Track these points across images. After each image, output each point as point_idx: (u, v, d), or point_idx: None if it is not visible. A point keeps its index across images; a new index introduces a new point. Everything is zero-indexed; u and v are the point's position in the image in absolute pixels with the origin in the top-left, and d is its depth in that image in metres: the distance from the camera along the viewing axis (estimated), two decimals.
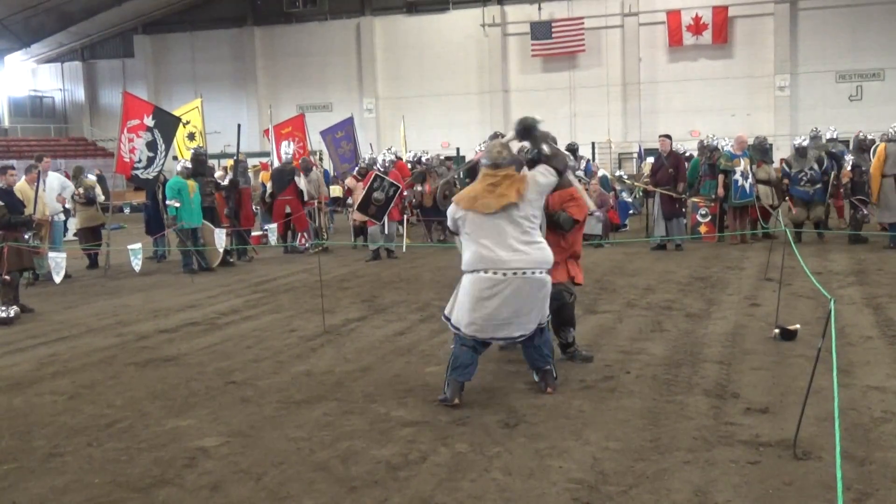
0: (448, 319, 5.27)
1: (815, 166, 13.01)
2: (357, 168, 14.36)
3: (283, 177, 14.44)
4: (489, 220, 5.03)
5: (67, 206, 13.24)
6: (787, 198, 13.36)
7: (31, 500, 3.87)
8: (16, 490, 3.98)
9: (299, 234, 14.51)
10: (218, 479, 4.01)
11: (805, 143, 13.51)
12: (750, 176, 13.26)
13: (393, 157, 15.66)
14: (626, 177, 19.02)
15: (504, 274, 4.96)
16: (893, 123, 13.37)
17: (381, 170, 13.43)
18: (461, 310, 5.13)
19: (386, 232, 13.14)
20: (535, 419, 4.74)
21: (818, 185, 12.95)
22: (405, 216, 14.97)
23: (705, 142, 15.64)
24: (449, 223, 5.35)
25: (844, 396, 4.77)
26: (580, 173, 14.86)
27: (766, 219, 13.39)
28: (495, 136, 9.97)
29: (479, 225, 5.05)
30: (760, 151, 14.02)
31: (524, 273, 4.99)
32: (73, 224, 18.15)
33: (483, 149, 5.28)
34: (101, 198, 13.71)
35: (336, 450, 4.35)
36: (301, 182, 14.32)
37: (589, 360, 6.03)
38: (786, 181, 13.30)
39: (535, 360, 5.32)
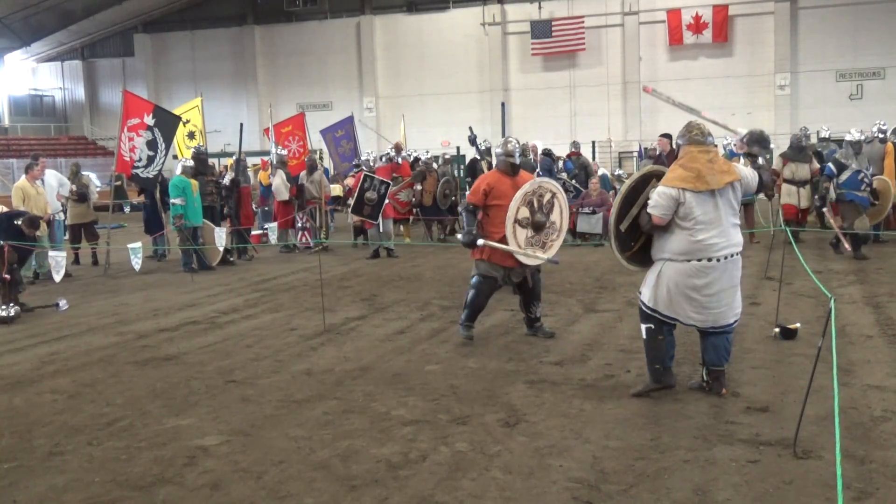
0: (652, 309, 5.04)
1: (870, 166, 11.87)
2: (358, 167, 14.37)
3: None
4: (711, 200, 4.87)
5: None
6: (821, 205, 11.95)
7: (32, 498, 3.87)
8: (16, 489, 3.98)
9: (300, 234, 14.51)
10: (218, 478, 4.01)
11: (862, 138, 12.08)
12: None
13: (389, 154, 15.63)
14: (625, 176, 19.00)
15: (718, 260, 4.87)
16: (877, 123, 13.46)
17: (367, 168, 13.43)
18: (670, 298, 4.94)
19: (381, 230, 13.13)
20: (536, 418, 4.74)
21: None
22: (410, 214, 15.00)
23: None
24: (658, 212, 4.89)
25: (844, 395, 4.78)
26: (563, 175, 14.89)
27: (793, 220, 12.59)
28: (508, 141, 9.98)
29: (699, 205, 4.84)
30: (795, 150, 12.94)
31: (733, 256, 4.94)
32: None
33: (683, 129, 5.13)
34: (94, 196, 13.70)
35: (336, 449, 4.35)
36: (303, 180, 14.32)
37: (551, 336, 6.84)
38: (827, 184, 11.66)
39: (722, 356, 5.10)
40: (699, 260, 4.86)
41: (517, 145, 6.90)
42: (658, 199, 4.88)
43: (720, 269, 4.88)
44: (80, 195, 13.18)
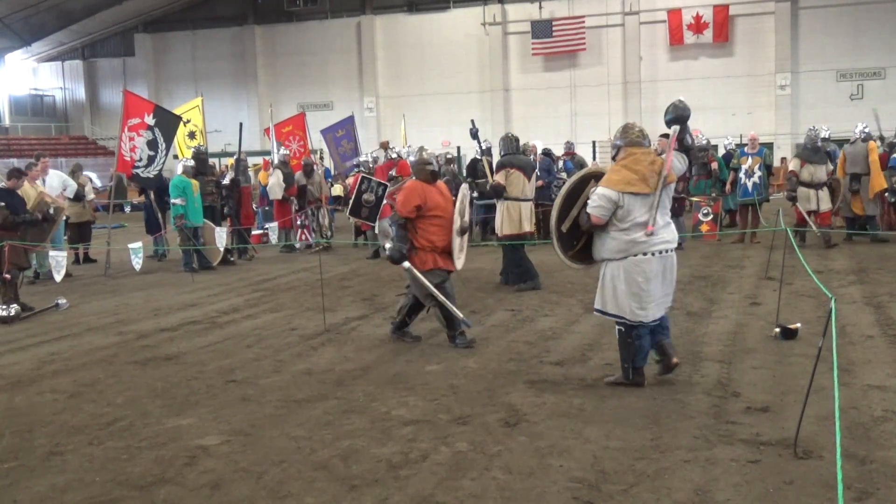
0: (604, 312, 5.25)
1: None
2: (359, 167, 14.36)
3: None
4: (648, 200, 5.06)
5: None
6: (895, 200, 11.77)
7: (32, 498, 3.87)
8: (17, 488, 3.98)
9: (299, 232, 14.52)
10: (218, 478, 4.01)
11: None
12: (755, 174, 13.17)
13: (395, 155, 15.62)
14: None
15: (654, 254, 5.07)
16: (859, 124, 13.48)
17: (366, 170, 13.42)
18: (629, 300, 5.10)
19: (378, 231, 13.13)
20: (536, 418, 4.74)
21: None
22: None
23: (697, 142, 15.56)
24: (598, 213, 5.05)
25: (845, 395, 4.77)
26: (563, 175, 14.88)
27: (803, 224, 12.28)
28: (508, 137, 9.99)
29: (638, 207, 5.04)
30: (811, 150, 12.54)
31: (668, 252, 5.15)
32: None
33: (620, 132, 5.33)
34: (90, 196, 13.70)
35: (336, 448, 4.35)
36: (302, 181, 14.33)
37: (418, 339, 6.84)
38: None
39: (663, 333, 5.34)
40: (635, 255, 5.06)
41: (430, 153, 6.91)
42: (598, 201, 5.05)
43: (656, 263, 5.08)
44: (76, 195, 13.20)
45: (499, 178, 9.55)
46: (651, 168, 5.09)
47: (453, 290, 6.89)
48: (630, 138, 5.23)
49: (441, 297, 6.54)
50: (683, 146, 5.43)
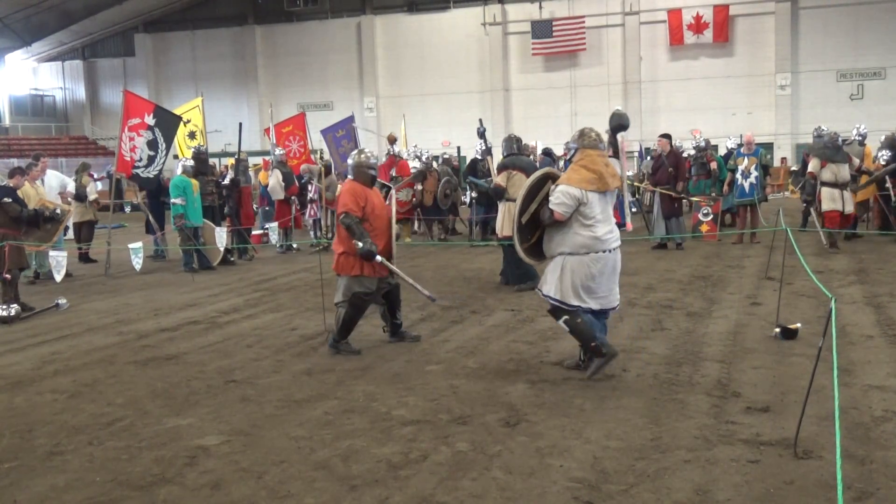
0: (559, 300, 5.48)
1: None
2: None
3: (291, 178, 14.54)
4: (604, 199, 5.47)
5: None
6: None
7: (32, 498, 3.87)
8: (17, 488, 3.98)
9: (311, 223, 14.65)
10: (219, 478, 4.01)
11: None
12: (751, 175, 13.16)
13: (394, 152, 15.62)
14: (629, 176, 18.82)
15: (608, 251, 5.44)
16: (856, 126, 13.48)
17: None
18: (575, 290, 5.41)
19: None
20: (536, 418, 4.74)
21: None
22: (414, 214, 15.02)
23: (693, 142, 15.53)
24: (562, 210, 5.32)
25: (845, 395, 4.78)
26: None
27: (835, 226, 11.96)
28: (510, 138, 10.00)
29: (598, 204, 5.40)
30: (832, 149, 12.17)
31: (617, 248, 5.54)
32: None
33: (577, 135, 5.64)
34: (91, 196, 13.72)
35: (337, 448, 4.35)
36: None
37: (417, 339, 6.86)
38: None
39: (604, 332, 5.66)
40: (595, 252, 5.40)
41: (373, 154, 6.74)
42: (562, 198, 5.34)
43: (609, 258, 5.48)
44: (78, 194, 13.23)
45: (500, 179, 9.57)
46: (607, 170, 5.46)
47: (382, 301, 6.75)
48: (586, 141, 5.55)
49: (353, 310, 6.45)
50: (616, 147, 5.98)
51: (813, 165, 12.12)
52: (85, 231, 13.58)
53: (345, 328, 6.53)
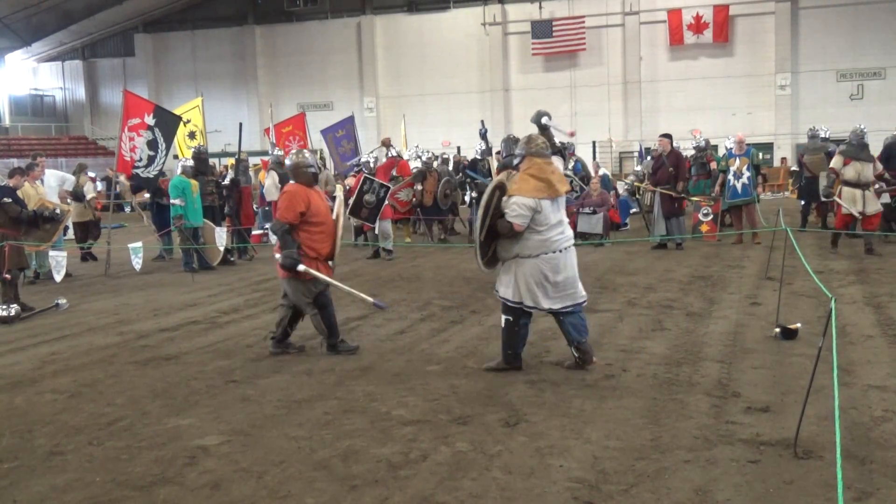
0: (516, 303, 5.65)
1: None
2: (358, 167, 14.36)
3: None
4: (555, 203, 5.62)
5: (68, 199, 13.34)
6: None
7: (32, 498, 3.87)
8: (17, 488, 3.98)
9: None
10: (219, 478, 4.01)
11: None
12: (743, 175, 13.13)
13: (393, 153, 15.62)
14: (631, 177, 18.72)
15: (562, 251, 5.60)
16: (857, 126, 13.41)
17: (367, 171, 13.41)
18: (529, 290, 5.57)
19: (377, 232, 13.12)
20: (536, 418, 4.74)
21: None
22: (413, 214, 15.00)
23: (693, 142, 15.51)
24: (521, 221, 5.46)
25: (845, 395, 4.78)
26: (569, 174, 14.90)
27: (846, 227, 11.45)
28: (510, 139, 10.00)
29: (550, 210, 5.56)
30: (857, 147, 11.52)
31: (571, 247, 5.73)
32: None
33: (524, 142, 5.81)
34: (90, 195, 13.73)
35: (337, 448, 4.35)
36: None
37: (354, 350, 6.55)
38: None
39: (581, 331, 5.75)
40: (546, 253, 5.55)
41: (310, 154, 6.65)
42: (519, 209, 5.45)
43: (563, 258, 5.62)
44: (75, 194, 13.26)
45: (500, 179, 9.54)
46: (555, 176, 5.62)
47: (332, 298, 6.72)
48: (533, 149, 5.69)
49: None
50: (554, 148, 6.14)
51: (836, 162, 11.50)
52: (85, 231, 13.57)
53: (328, 328, 6.49)
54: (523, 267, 5.58)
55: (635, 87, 31.88)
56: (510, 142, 9.94)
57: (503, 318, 5.75)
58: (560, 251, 5.59)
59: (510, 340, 5.73)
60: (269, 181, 14.10)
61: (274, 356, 6.54)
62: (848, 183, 11.27)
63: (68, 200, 12.99)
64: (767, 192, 22.81)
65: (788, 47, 30.25)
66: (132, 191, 15.15)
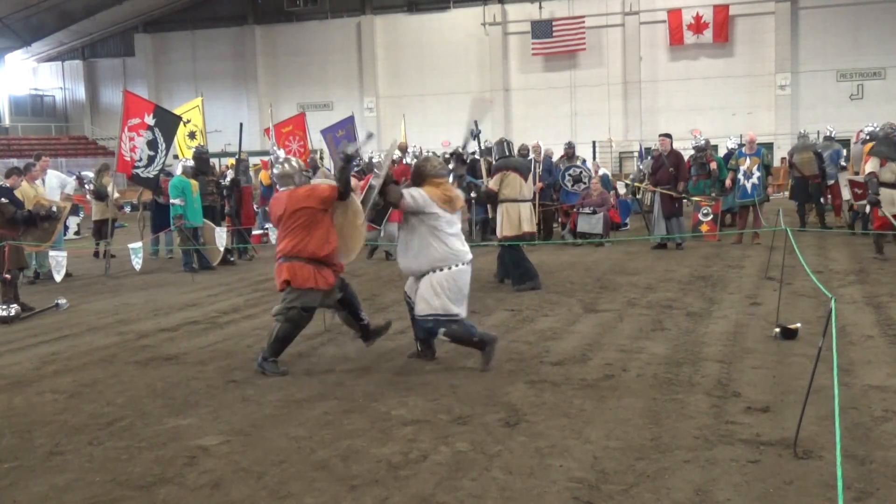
0: (441, 315, 5.78)
1: None
2: (356, 168, 14.32)
3: None
4: (454, 218, 5.88)
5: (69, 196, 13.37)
6: None
7: (32, 498, 3.87)
8: (17, 488, 3.98)
9: None
10: (219, 478, 4.01)
11: None
12: (753, 175, 13.12)
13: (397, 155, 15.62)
14: (632, 178, 18.68)
15: (465, 264, 5.87)
16: (868, 125, 13.37)
17: (377, 171, 13.37)
18: (450, 299, 5.78)
19: (382, 234, 13.10)
20: (536, 418, 4.74)
21: None
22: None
23: (693, 142, 15.52)
24: (410, 200, 5.68)
25: (845, 395, 4.78)
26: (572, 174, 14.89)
27: (888, 228, 10.73)
28: (501, 141, 10.02)
29: (453, 223, 5.84)
30: (889, 146, 11.01)
31: (471, 260, 6.00)
32: (74, 222, 18.26)
33: (419, 164, 6.09)
34: (114, 195, 13.76)
35: (337, 448, 4.35)
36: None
37: (388, 325, 6.62)
38: None
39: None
40: (456, 265, 5.79)
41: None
42: (415, 194, 5.71)
43: (467, 271, 5.89)
44: (98, 194, 13.30)
45: (492, 184, 9.68)
46: (453, 192, 5.91)
47: (338, 308, 6.37)
48: (430, 170, 5.91)
49: (290, 326, 5.95)
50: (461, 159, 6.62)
51: (872, 165, 10.86)
52: (103, 228, 13.59)
53: (278, 344, 5.96)
54: (438, 279, 5.75)
55: (635, 87, 31.89)
56: (502, 145, 9.97)
57: (441, 336, 5.85)
58: (465, 263, 5.85)
59: (464, 337, 5.87)
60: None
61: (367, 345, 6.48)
62: (885, 184, 10.72)
63: (88, 198, 13.01)
64: (774, 192, 22.79)
65: (788, 47, 30.26)
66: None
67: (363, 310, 6.50)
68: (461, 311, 5.88)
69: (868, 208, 11.35)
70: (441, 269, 5.77)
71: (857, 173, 12.57)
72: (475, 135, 11.63)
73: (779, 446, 4.15)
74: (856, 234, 12.88)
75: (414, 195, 5.71)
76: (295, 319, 5.94)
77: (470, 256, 5.95)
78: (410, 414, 4.91)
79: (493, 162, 10.15)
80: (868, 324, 6.97)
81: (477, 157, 14.47)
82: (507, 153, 9.83)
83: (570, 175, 14.48)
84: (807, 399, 4.08)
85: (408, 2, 34.27)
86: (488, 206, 14.30)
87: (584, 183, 14.29)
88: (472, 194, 14.69)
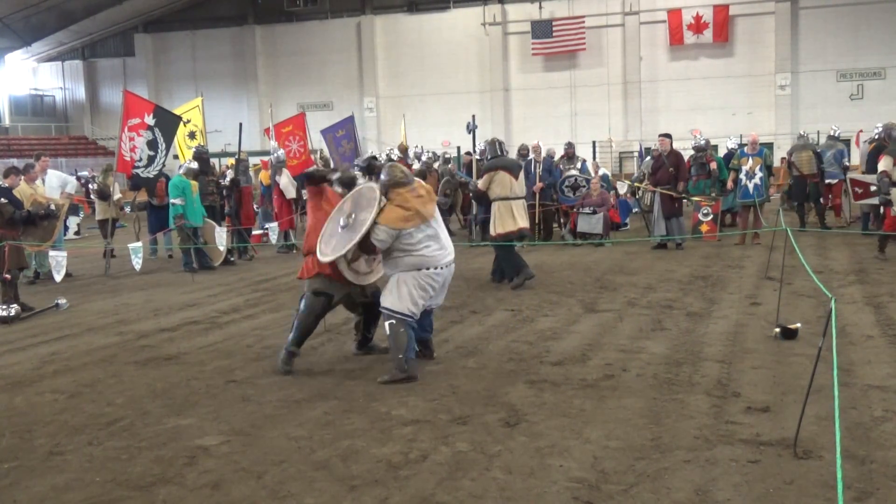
0: (401, 314, 5.74)
1: None
2: (356, 167, 14.32)
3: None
4: (427, 226, 5.75)
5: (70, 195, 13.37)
6: None
7: (32, 498, 3.87)
8: (17, 488, 3.98)
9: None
10: (219, 478, 4.01)
11: None
12: (755, 175, 13.10)
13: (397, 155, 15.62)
14: (633, 179, 18.60)
15: (443, 268, 5.81)
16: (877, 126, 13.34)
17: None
18: (413, 300, 5.74)
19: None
20: (536, 418, 4.74)
21: None
22: None
23: (693, 142, 15.49)
24: (381, 245, 5.64)
25: (845, 395, 4.78)
26: (573, 172, 14.92)
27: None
28: (493, 141, 10.05)
29: (421, 231, 5.70)
30: None
31: (453, 263, 5.95)
32: (74, 223, 18.26)
33: (384, 173, 5.88)
34: (117, 195, 13.76)
35: (336, 448, 4.35)
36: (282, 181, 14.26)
37: (386, 351, 6.28)
38: None
39: (428, 329, 6.26)
40: (428, 269, 5.73)
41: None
42: (380, 235, 5.62)
43: (443, 274, 5.84)
44: (101, 193, 13.32)
45: (481, 184, 9.77)
46: (421, 201, 5.75)
47: (361, 311, 6.48)
48: (395, 180, 5.76)
49: (305, 312, 6.10)
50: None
51: (885, 164, 10.67)
52: (106, 228, 13.62)
53: (296, 332, 6.08)
54: (405, 279, 5.73)
55: (635, 87, 31.87)
56: (493, 145, 10.01)
57: (386, 324, 5.77)
58: (441, 268, 5.78)
59: (399, 345, 5.67)
60: (286, 179, 14.10)
61: (355, 357, 6.47)
62: None
63: (92, 198, 13.03)
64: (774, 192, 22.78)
65: (788, 47, 30.24)
66: (130, 188, 15.18)
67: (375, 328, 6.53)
68: (417, 312, 5.77)
69: (881, 209, 11.32)
70: (408, 272, 5.74)
71: (864, 173, 12.55)
72: (471, 129, 11.70)
73: (779, 446, 4.15)
74: (868, 234, 12.78)
75: (381, 238, 5.61)
76: (308, 303, 6.11)
77: (449, 258, 5.86)
78: (410, 414, 4.91)
79: (485, 161, 10.23)
80: (868, 324, 6.97)
81: (478, 157, 14.46)
82: (499, 153, 9.90)
83: (567, 186, 14.51)
84: (807, 399, 4.09)
85: (408, 2, 34.25)
86: (485, 206, 14.35)
87: (584, 187, 14.28)
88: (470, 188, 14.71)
